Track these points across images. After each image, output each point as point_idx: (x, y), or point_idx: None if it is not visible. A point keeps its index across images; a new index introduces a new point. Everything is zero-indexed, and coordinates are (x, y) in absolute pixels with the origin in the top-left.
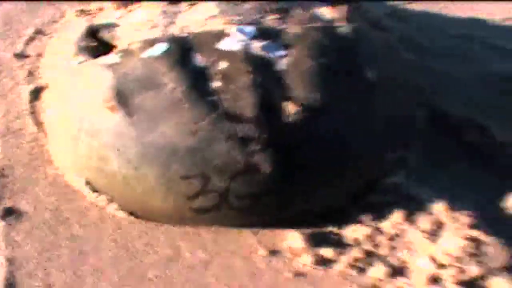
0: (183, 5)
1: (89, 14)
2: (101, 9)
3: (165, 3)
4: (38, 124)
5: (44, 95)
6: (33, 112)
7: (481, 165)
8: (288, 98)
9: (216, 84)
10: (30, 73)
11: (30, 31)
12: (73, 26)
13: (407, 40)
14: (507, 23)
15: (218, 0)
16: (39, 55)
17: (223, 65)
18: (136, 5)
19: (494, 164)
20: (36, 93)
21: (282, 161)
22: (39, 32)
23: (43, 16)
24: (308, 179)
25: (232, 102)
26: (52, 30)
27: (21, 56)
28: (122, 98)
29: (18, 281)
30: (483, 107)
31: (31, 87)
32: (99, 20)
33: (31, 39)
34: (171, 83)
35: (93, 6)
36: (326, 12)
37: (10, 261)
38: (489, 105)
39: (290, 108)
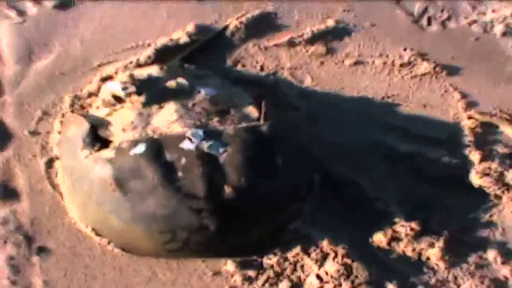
0: (153, 108)
1: (82, 99)
2: (90, 96)
3: (140, 106)
4: (54, 186)
5: (56, 165)
6: (49, 178)
7: (356, 212)
8: (226, 183)
9: (179, 174)
10: (43, 147)
11: (38, 113)
12: (72, 118)
13: (311, 116)
14: (387, 100)
15: (177, 103)
16: (48, 132)
17: (183, 160)
18: (119, 106)
19: (365, 211)
20: (49, 163)
21: (222, 222)
22: (45, 113)
23: (47, 100)
24: (239, 231)
25: (190, 187)
26: (54, 111)
27: (34, 133)
28: (119, 183)
29: None
30: (361, 169)
31: (45, 158)
32: (94, 111)
33: (40, 119)
34: (151, 174)
35: (84, 91)
36: (252, 111)
37: (46, 282)
38: (367, 168)
39: (227, 189)
